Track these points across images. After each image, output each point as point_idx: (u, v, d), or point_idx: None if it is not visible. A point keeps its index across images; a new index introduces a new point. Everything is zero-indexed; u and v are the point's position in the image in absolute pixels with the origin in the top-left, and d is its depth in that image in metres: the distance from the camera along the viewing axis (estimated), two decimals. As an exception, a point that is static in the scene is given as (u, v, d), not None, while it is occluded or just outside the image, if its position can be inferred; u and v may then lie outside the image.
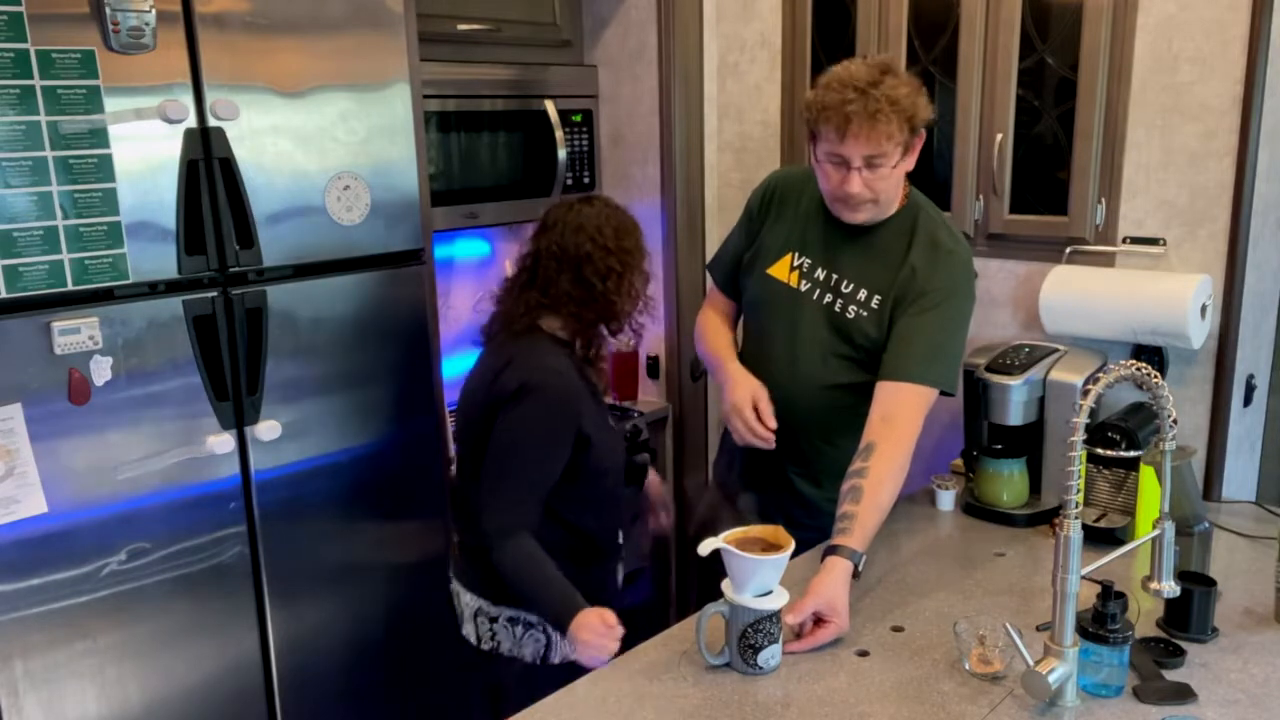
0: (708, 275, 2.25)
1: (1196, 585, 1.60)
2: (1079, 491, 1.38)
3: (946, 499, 2.18)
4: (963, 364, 2.02)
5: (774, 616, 1.52)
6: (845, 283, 1.95)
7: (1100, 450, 2.03)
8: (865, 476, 1.74)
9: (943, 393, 1.87)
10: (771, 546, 1.54)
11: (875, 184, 1.83)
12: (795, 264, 2.00)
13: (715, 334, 2.14)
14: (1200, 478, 2.24)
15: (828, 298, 1.96)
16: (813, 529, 1.91)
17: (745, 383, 1.97)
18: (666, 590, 3.12)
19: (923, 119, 1.82)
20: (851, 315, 1.94)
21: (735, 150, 2.97)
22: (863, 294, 1.94)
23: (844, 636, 1.62)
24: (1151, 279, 2.18)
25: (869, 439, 1.79)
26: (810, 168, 1.98)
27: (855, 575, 1.68)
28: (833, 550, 1.68)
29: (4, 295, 1.65)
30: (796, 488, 2.04)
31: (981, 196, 2.51)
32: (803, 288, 1.98)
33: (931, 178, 2.60)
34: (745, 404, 1.93)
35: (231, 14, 1.84)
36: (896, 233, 1.93)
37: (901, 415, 1.81)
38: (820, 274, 1.97)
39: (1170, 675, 1.50)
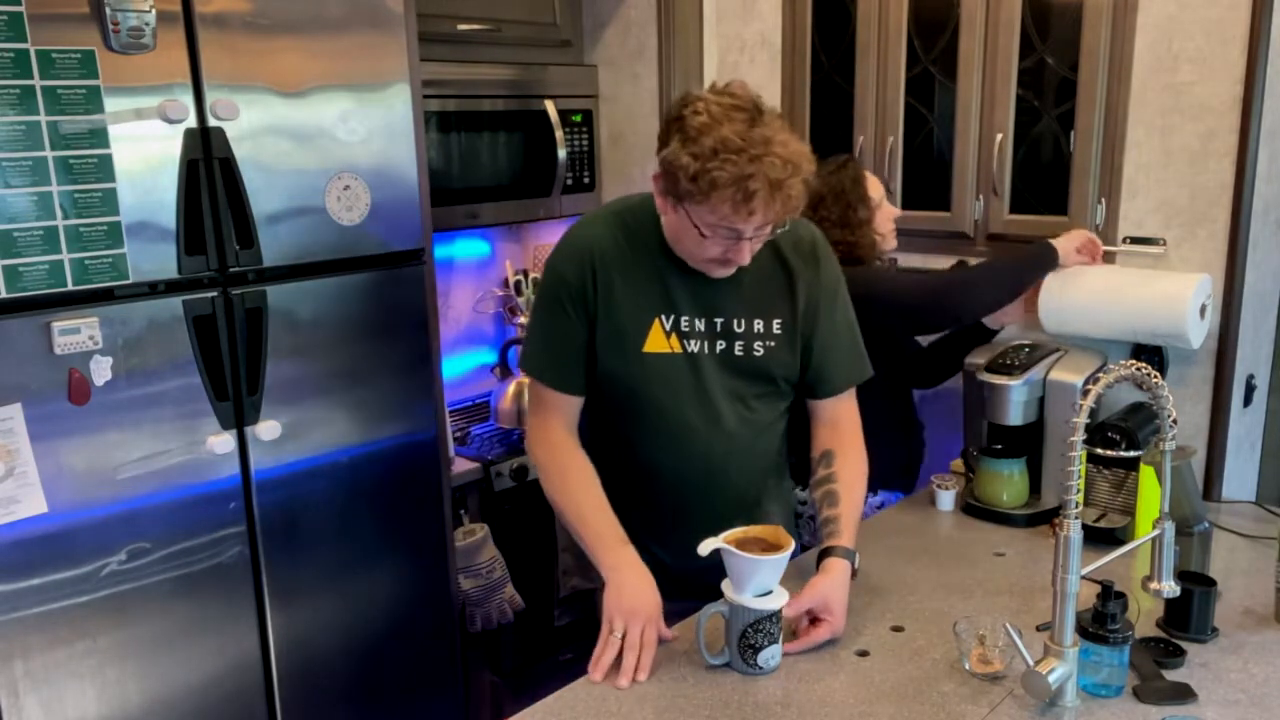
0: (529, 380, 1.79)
1: (1196, 585, 1.60)
2: (1079, 491, 1.38)
3: (946, 499, 2.18)
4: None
5: (774, 616, 1.52)
6: (736, 322, 1.72)
7: (1100, 450, 2.03)
8: (836, 480, 1.74)
9: None
10: (771, 546, 1.54)
11: (758, 244, 1.61)
12: (668, 329, 1.71)
13: (587, 486, 1.72)
14: (1200, 478, 2.24)
15: (720, 345, 1.72)
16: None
17: (649, 591, 1.61)
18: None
19: (810, 169, 1.54)
20: (760, 352, 1.72)
21: (735, 150, 2.96)
22: (759, 324, 1.72)
23: (844, 636, 1.62)
24: (1151, 279, 2.18)
25: (824, 446, 1.78)
26: (617, 212, 1.73)
27: (852, 575, 1.69)
28: (827, 552, 1.67)
29: (4, 295, 1.65)
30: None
31: (981, 196, 2.51)
32: (691, 348, 1.71)
33: (931, 178, 2.60)
34: (652, 621, 1.58)
35: (231, 14, 1.84)
36: (762, 252, 1.68)
37: (845, 418, 1.81)
38: (700, 325, 1.71)
39: (1170, 675, 1.50)
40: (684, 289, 1.70)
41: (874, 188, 2.27)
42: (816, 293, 1.74)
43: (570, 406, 1.76)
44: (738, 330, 1.72)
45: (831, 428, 1.80)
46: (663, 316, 1.71)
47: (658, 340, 1.71)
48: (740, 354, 1.72)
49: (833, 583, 1.62)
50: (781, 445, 1.87)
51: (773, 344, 1.73)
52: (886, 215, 2.29)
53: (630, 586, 1.60)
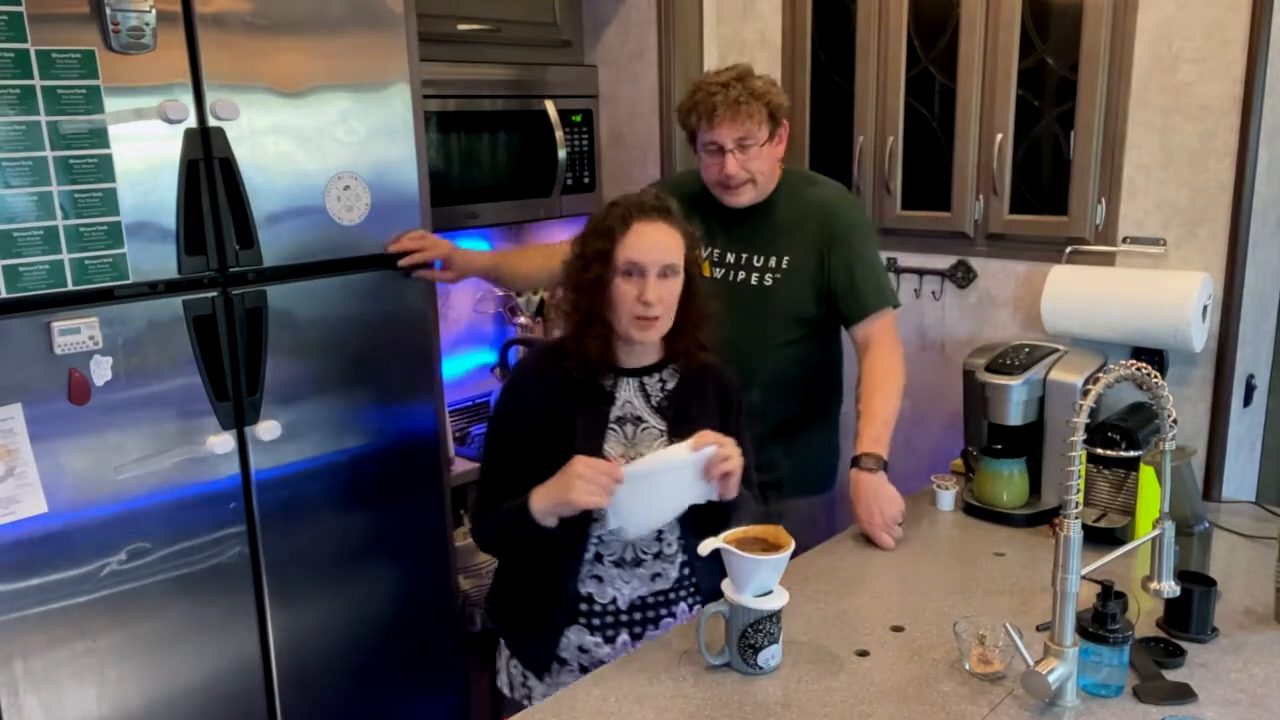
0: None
1: (1196, 585, 1.60)
2: (1079, 491, 1.38)
3: (946, 499, 2.18)
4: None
5: (774, 616, 1.52)
6: (755, 257, 2.14)
7: (1100, 450, 2.03)
8: (859, 400, 2.04)
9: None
10: (771, 546, 1.54)
11: (750, 164, 2.06)
12: (704, 256, 2.10)
13: None
14: (1200, 478, 2.24)
15: (741, 275, 2.14)
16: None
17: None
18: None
19: (778, 104, 2.07)
20: (770, 282, 2.12)
21: (735, 150, 2.96)
22: (772, 260, 2.13)
23: (844, 637, 1.62)
24: (1152, 281, 2.18)
25: (860, 371, 2.08)
26: (681, 172, 2.21)
27: (880, 468, 1.95)
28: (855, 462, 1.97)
29: (4, 295, 1.65)
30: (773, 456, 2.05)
31: (981, 196, 2.51)
32: (716, 275, 2.14)
33: (931, 178, 2.60)
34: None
35: (231, 14, 1.84)
36: (786, 199, 2.15)
37: (876, 338, 2.08)
38: (730, 258, 2.16)
39: (1170, 675, 1.50)
40: (719, 228, 2.16)
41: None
42: (835, 234, 2.10)
43: None
44: (756, 264, 2.14)
45: (864, 349, 2.08)
46: (703, 249, 2.08)
47: (705, 267, 2.06)
48: (755, 283, 2.14)
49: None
50: (796, 375, 2.15)
51: (780, 276, 2.12)
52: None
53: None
